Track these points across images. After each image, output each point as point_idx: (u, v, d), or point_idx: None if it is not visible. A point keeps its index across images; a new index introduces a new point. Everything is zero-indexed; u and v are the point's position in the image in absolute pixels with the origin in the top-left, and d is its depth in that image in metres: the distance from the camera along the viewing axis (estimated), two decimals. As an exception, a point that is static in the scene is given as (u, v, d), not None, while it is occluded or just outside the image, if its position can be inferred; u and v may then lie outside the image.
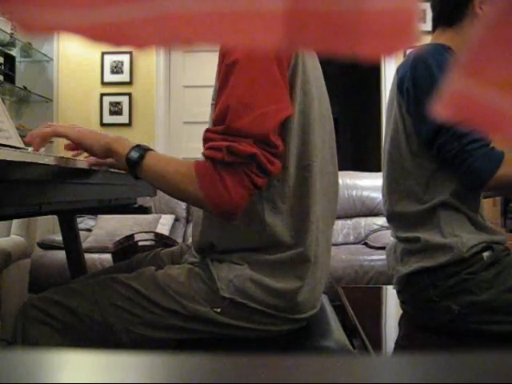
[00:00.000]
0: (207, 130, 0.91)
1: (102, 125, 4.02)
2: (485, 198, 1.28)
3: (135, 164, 0.93)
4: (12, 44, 3.70)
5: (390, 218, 1.35)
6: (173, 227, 3.39)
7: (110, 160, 1.00)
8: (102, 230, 3.19)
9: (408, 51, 1.56)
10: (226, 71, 0.87)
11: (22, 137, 1.10)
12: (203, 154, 0.90)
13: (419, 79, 1.19)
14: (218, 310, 0.95)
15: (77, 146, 1.02)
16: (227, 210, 0.88)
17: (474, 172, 1.13)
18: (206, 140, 0.90)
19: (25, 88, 3.80)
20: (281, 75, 0.89)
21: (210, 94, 1.02)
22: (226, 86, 0.87)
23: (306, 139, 0.96)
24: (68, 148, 1.07)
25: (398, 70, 1.31)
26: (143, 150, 0.94)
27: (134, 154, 0.93)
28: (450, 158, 1.16)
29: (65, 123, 1.09)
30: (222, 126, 0.87)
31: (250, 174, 0.87)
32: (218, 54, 0.92)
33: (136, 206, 1.68)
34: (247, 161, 0.86)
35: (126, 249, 2.49)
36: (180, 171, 0.91)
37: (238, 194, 0.87)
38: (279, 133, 0.92)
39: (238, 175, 0.87)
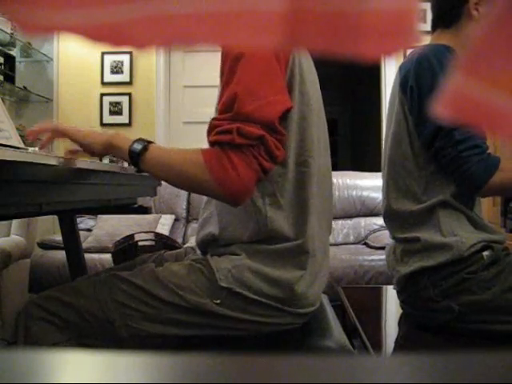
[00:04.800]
0: (213, 119, 0.92)
1: (102, 125, 4.01)
2: (483, 197, 1.28)
3: (138, 156, 0.94)
4: (12, 44, 3.70)
5: (388, 217, 1.35)
6: (173, 227, 3.39)
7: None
8: (102, 230, 3.19)
9: (408, 51, 1.56)
10: (232, 64, 0.90)
11: (22, 137, 1.10)
12: (209, 141, 0.91)
13: (423, 79, 1.19)
14: (218, 301, 0.95)
15: (75, 142, 1.02)
16: (237, 191, 0.89)
17: (469, 179, 1.15)
18: (212, 127, 0.92)
19: (25, 88, 3.79)
20: (280, 72, 0.93)
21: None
22: (233, 77, 0.90)
23: (304, 136, 0.99)
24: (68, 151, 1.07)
25: (400, 69, 1.31)
26: (146, 142, 0.95)
27: (137, 146, 0.94)
28: (446, 163, 1.17)
29: (65, 123, 1.08)
30: (229, 113, 0.89)
31: (258, 157, 0.89)
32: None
33: (136, 206, 1.68)
34: (256, 143, 0.88)
35: (125, 249, 2.49)
36: (186, 158, 0.92)
37: (247, 175, 0.88)
38: (281, 124, 0.94)
39: (246, 158, 0.88)
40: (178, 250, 1.29)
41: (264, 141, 0.89)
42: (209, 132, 0.92)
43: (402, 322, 1.36)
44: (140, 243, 2.51)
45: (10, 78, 3.67)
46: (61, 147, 1.05)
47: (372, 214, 3.45)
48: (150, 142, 0.96)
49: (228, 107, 0.89)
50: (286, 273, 0.97)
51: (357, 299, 1.58)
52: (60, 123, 1.05)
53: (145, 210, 1.71)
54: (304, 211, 0.99)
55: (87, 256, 2.15)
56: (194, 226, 3.46)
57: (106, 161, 1.07)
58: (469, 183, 1.15)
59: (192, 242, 2.76)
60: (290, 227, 0.98)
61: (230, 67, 0.90)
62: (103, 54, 4.00)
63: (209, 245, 1.05)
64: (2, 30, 3.47)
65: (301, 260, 0.99)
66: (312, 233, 1.00)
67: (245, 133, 0.87)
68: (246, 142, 0.88)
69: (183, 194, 3.53)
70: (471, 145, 1.14)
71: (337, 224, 3.36)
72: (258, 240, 0.99)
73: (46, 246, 3.08)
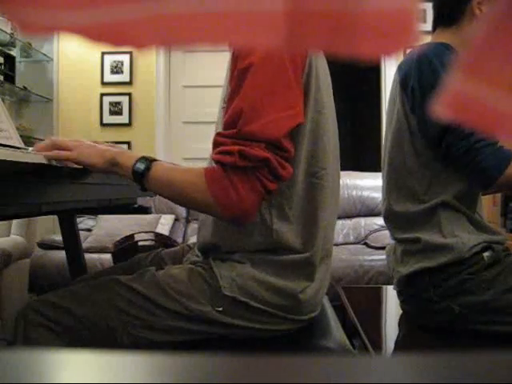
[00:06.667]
0: (218, 134, 0.90)
1: (102, 125, 4.02)
2: (483, 194, 1.28)
3: (142, 175, 0.92)
4: (12, 44, 3.70)
5: (388, 218, 1.35)
6: (173, 227, 3.39)
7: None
8: (102, 230, 3.19)
9: (408, 50, 1.56)
10: (240, 75, 0.87)
11: (22, 137, 1.09)
12: (213, 158, 0.90)
13: (424, 78, 1.19)
14: (220, 308, 0.94)
15: (79, 164, 0.97)
16: (238, 215, 0.88)
17: (483, 170, 1.13)
18: (216, 144, 0.90)
19: (25, 88, 3.79)
20: (295, 81, 0.89)
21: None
22: (240, 90, 0.87)
23: (317, 146, 0.96)
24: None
25: (399, 68, 1.31)
26: (149, 161, 0.93)
27: (140, 166, 0.92)
28: (459, 157, 1.16)
29: (66, 137, 1.04)
30: (233, 130, 0.87)
31: (261, 179, 0.87)
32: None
33: (136, 206, 1.68)
34: (259, 165, 0.86)
35: (125, 249, 2.49)
36: (188, 179, 0.91)
37: (249, 199, 0.86)
38: (290, 138, 0.91)
39: (249, 180, 0.86)
40: (175, 248, 1.28)
41: (268, 162, 0.86)
42: (213, 146, 0.90)
43: (402, 322, 1.35)
44: (140, 243, 2.52)
45: (10, 78, 3.67)
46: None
47: (372, 214, 3.45)
48: (153, 161, 0.93)
49: (232, 123, 0.87)
50: (291, 283, 0.95)
51: (357, 299, 1.58)
52: (60, 144, 0.96)
53: (145, 210, 1.71)
54: (313, 224, 0.97)
55: (87, 256, 2.15)
56: (194, 226, 3.46)
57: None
58: (483, 175, 1.14)
59: (192, 241, 2.76)
60: (298, 240, 0.96)
61: (239, 77, 0.87)
62: (103, 54, 4.00)
63: (210, 251, 1.03)
64: (2, 30, 3.47)
65: (307, 271, 0.97)
66: (320, 244, 0.98)
67: (248, 155, 0.84)
68: (249, 164, 0.85)
69: (183, 194, 3.52)
70: (483, 136, 1.12)
71: (337, 224, 3.34)
72: (263, 250, 0.96)
73: (46, 246, 3.08)
